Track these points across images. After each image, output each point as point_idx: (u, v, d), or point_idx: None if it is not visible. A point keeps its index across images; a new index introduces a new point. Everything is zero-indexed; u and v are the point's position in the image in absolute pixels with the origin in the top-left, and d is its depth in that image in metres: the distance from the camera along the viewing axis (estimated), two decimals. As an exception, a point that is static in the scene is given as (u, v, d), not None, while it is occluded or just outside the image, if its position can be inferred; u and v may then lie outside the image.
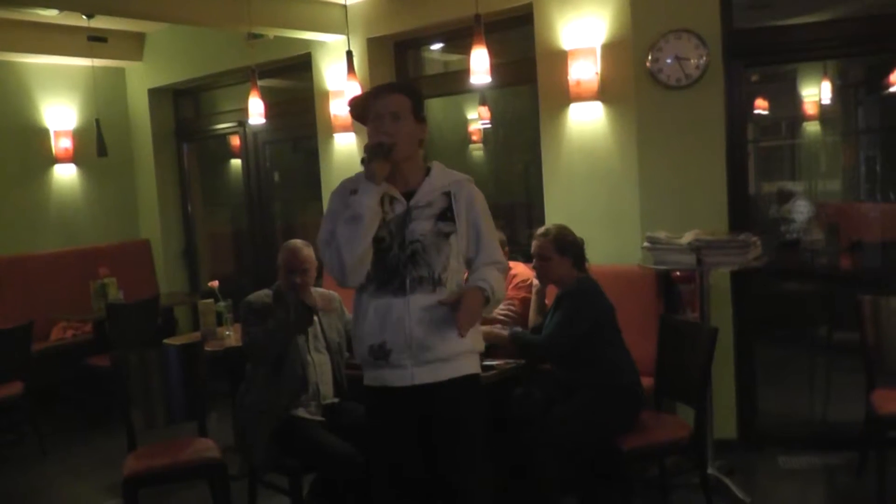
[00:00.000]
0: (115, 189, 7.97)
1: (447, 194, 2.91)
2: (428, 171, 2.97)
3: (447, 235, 2.86)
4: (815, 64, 6.00)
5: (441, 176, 2.96)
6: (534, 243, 4.01)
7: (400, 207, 2.87)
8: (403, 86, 3.02)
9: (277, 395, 3.85)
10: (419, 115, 2.92)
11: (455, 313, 2.74)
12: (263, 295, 4.04)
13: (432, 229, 2.85)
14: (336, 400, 4.05)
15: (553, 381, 3.99)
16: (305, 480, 3.91)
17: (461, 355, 2.89)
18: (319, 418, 3.92)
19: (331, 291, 4.25)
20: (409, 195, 2.89)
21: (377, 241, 2.82)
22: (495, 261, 2.96)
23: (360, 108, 2.99)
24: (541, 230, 4.04)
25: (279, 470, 3.91)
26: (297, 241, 4.07)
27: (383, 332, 2.82)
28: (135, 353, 4.25)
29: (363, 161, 2.81)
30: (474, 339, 2.94)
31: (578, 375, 3.87)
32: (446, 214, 2.88)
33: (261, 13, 5.61)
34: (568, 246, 3.95)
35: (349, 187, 2.93)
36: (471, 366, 2.95)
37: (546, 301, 4.14)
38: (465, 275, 2.98)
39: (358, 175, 2.93)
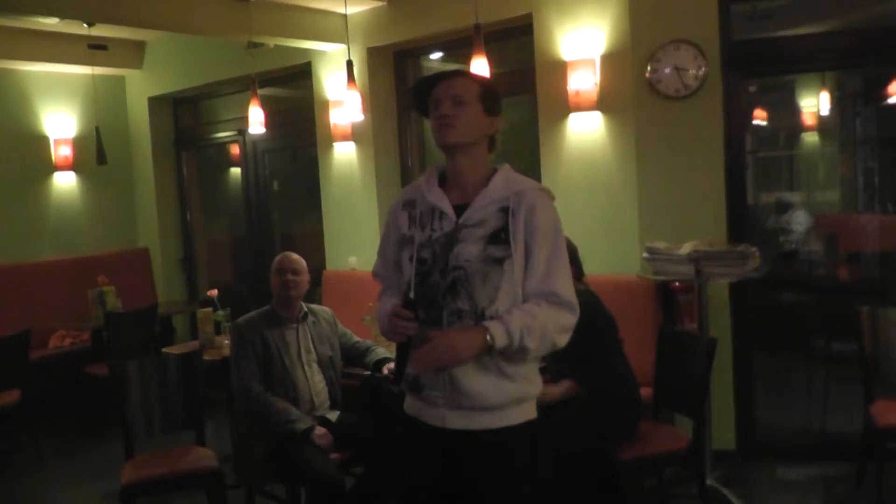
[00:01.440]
0: (114, 197, 7.97)
1: (505, 210, 2.39)
2: (490, 177, 2.47)
3: (500, 261, 2.36)
4: (813, 75, 6.02)
5: (502, 186, 2.43)
6: None
7: (448, 224, 2.42)
8: (472, 73, 2.50)
9: (273, 415, 3.88)
10: (490, 108, 2.46)
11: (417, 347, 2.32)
12: (255, 315, 4.09)
13: (480, 254, 2.36)
14: (330, 413, 4.07)
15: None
16: (303, 490, 3.90)
17: (507, 405, 2.40)
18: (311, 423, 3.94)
19: (325, 307, 4.32)
20: (463, 208, 2.43)
21: (419, 261, 2.43)
22: (548, 292, 2.37)
23: (420, 97, 2.52)
24: None
25: (277, 480, 3.92)
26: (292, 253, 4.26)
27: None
28: (133, 361, 4.25)
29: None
30: (529, 384, 2.45)
31: (586, 383, 3.86)
32: (500, 236, 2.37)
33: (261, 22, 5.62)
34: (573, 256, 3.95)
35: (404, 199, 2.56)
36: (518, 415, 2.43)
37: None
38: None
39: (419, 180, 2.57)
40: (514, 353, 2.34)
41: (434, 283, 2.39)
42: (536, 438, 2.52)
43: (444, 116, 2.40)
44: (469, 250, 2.37)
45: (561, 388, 3.81)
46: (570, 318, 2.41)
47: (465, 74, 2.54)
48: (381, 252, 2.64)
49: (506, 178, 2.46)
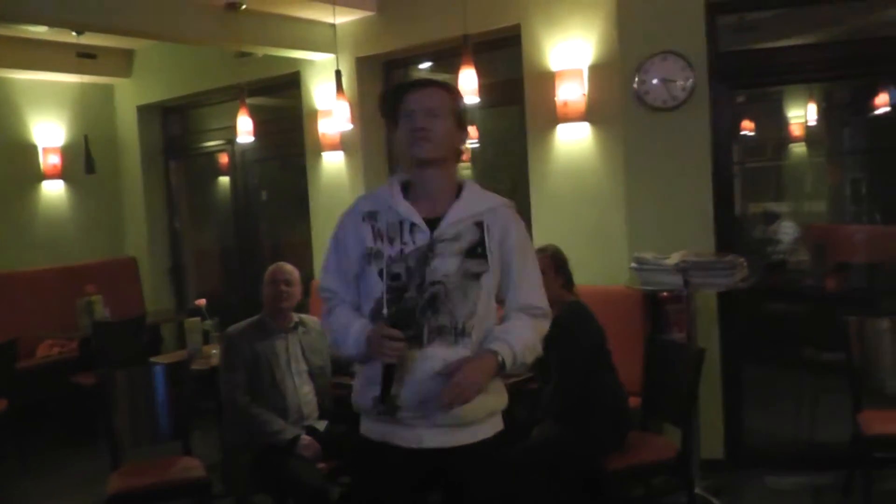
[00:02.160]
0: (102, 206, 7.94)
1: (479, 224, 2.38)
2: (459, 192, 2.45)
3: (477, 276, 2.35)
4: (801, 86, 6.05)
5: (474, 201, 2.43)
6: None
7: (422, 238, 2.36)
8: (444, 83, 2.49)
9: (258, 426, 3.87)
10: (461, 121, 2.45)
11: (445, 386, 2.25)
12: (245, 325, 4.08)
13: (458, 269, 2.33)
14: (318, 423, 4.06)
15: (539, 400, 3.99)
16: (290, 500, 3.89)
17: (481, 420, 2.40)
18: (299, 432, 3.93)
19: (315, 318, 4.31)
20: (434, 222, 2.38)
21: (392, 276, 2.34)
22: (528, 305, 2.44)
23: (391, 104, 2.48)
24: (539, 246, 4.04)
25: (264, 490, 3.91)
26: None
27: (395, 385, 2.33)
28: (121, 371, 4.24)
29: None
30: (500, 396, 2.47)
31: (566, 395, 3.86)
32: (477, 250, 2.36)
33: (250, 32, 5.62)
34: (562, 265, 3.96)
35: (363, 210, 2.47)
36: (490, 428, 2.44)
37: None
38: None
39: (379, 192, 2.50)
40: (515, 371, 2.41)
41: (411, 300, 2.33)
42: (507, 451, 2.55)
43: (421, 129, 2.35)
44: (447, 265, 2.33)
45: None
46: (547, 325, 2.52)
47: (439, 85, 2.48)
48: (335, 267, 2.53)
49: (477, 193, 2.47)
